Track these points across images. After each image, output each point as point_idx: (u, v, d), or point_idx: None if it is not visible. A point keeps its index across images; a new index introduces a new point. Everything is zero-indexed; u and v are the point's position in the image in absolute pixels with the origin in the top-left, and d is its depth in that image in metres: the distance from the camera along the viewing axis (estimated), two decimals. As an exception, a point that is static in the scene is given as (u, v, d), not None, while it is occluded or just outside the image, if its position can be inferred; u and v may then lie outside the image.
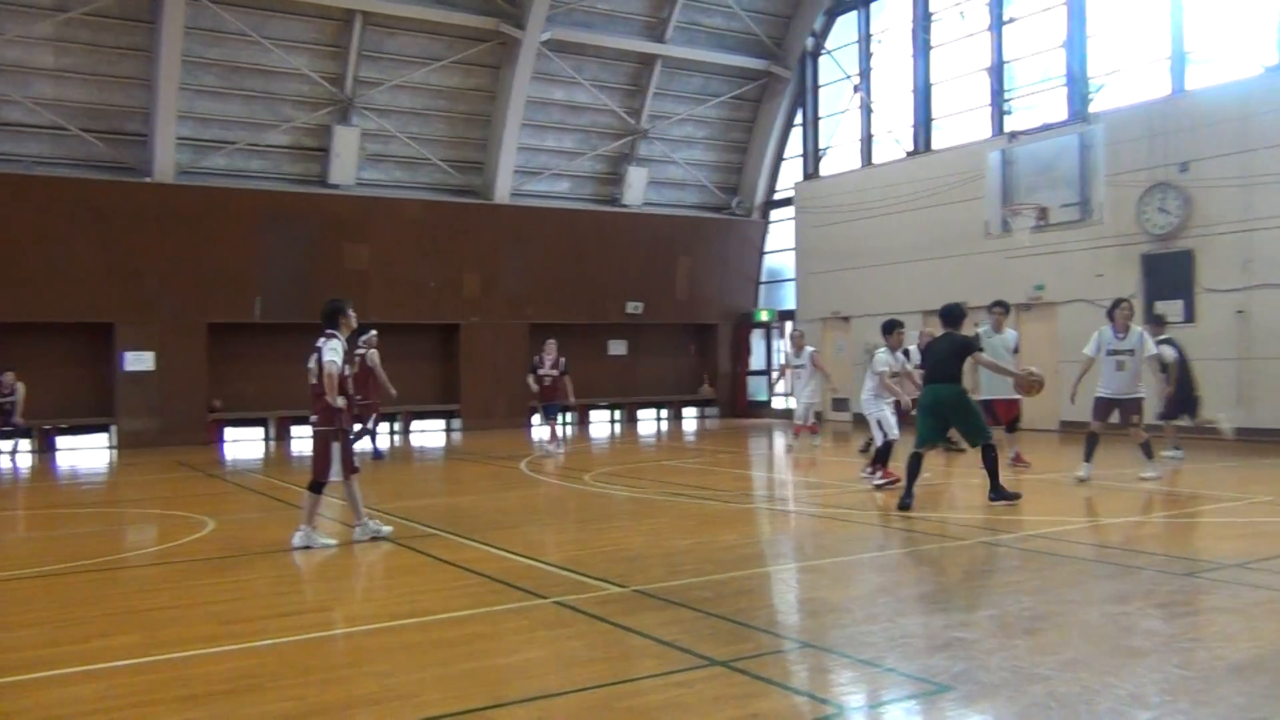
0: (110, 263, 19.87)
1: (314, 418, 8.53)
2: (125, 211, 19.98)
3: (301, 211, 21.56)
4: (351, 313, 8.75)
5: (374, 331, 16.47)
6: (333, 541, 8.50)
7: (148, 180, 20.29)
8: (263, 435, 21.82)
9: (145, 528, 10.58)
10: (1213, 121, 16.91)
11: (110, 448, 20.20)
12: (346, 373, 8.63)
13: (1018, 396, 12.35)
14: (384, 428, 23.01)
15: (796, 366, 16.63)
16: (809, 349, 16.78)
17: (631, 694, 4.59)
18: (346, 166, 22.07)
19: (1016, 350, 13.35)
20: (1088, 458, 11.39)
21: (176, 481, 14.45)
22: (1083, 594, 6.31)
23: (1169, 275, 17.38)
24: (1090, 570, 7.02)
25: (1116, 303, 11.75)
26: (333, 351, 8.41)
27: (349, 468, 8.57)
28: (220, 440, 21.18)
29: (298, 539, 8.37)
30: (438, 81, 22.81)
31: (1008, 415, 13.14)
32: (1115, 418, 11.53)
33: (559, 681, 4.79)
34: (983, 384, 12.55)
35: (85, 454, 19.62)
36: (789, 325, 22.54)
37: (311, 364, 8.43)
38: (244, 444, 21.01)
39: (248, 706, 4.52)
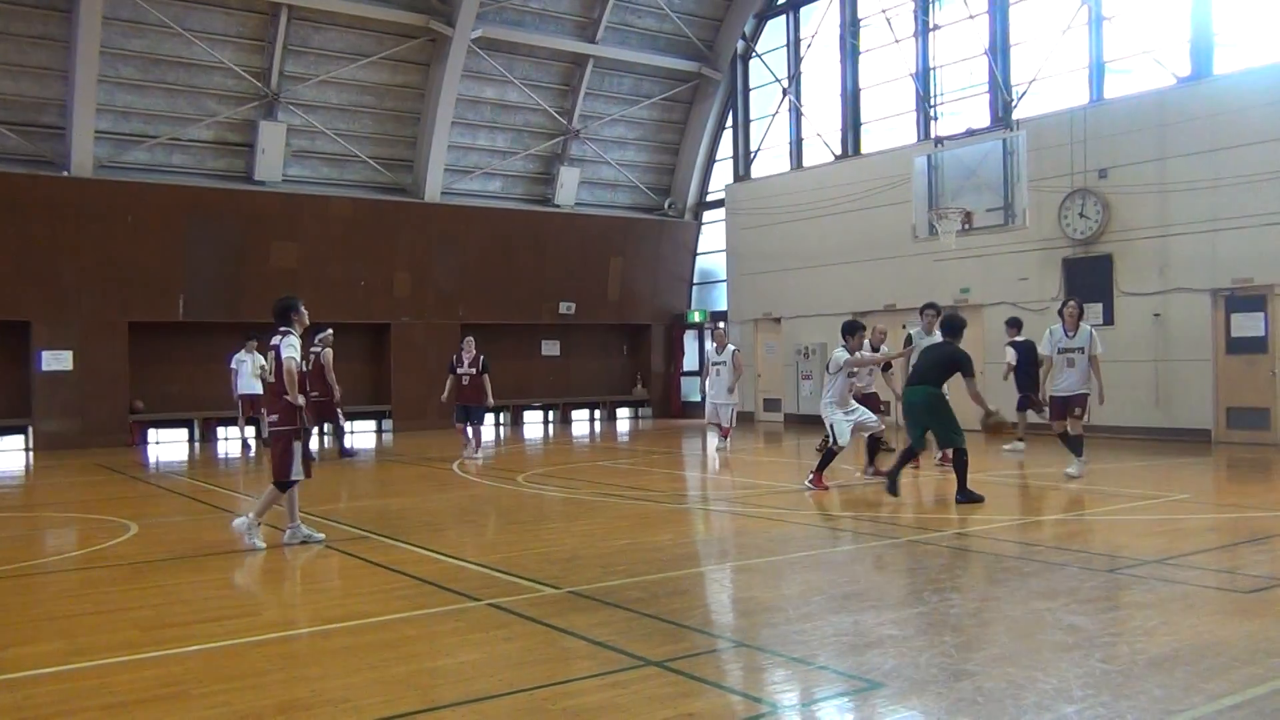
0: (26, 259, 19.27)
1: (273, 417, 8.43)
2: (41, 206, 19.39)
3: (226, 208, 21.13)
4: (304, 309, 8.66)
5: (330, 330, 16.11)
6: (261, 544, 8.36)
7: (65, 174, 19.72)
8: (187, 437, 21.35)
9: (65, 532, 10.29)
10: (1130, 130, 17.40)
11: (26, 450, 19.59)
12: (304, 370, 8.49)
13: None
14: (312, 429, 22.72)
15: (717, 364, 16.66)
16: (731, 347, 16.90)
17: (567, 695, 4.58)
18: (272, 163, 21.68)
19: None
20: (1078, 453, 11.87)
21: (97, 484, 14.07)
22: (1009, 591, 6.44)
23: (1089, 279, 17.83)
24: (1016, 568, 7.17)
25: (1065, 303, 12.32)
26: (290, 348, 8.33)
27: (306, 469, 8.48)
28: (143, 442, 20.68)
29: (287, 536, 8.43)
30: (366, 77, 22.53)
31: None
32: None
33: (494, 684, 4.76)
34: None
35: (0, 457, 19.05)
36: (721, 324, 22.71)
37: (265, 363, 8.34)
38: (167, 446, 20.54)
39: (172, 715, 4.42)
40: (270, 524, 8.81)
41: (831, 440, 11.42)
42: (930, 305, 13.53)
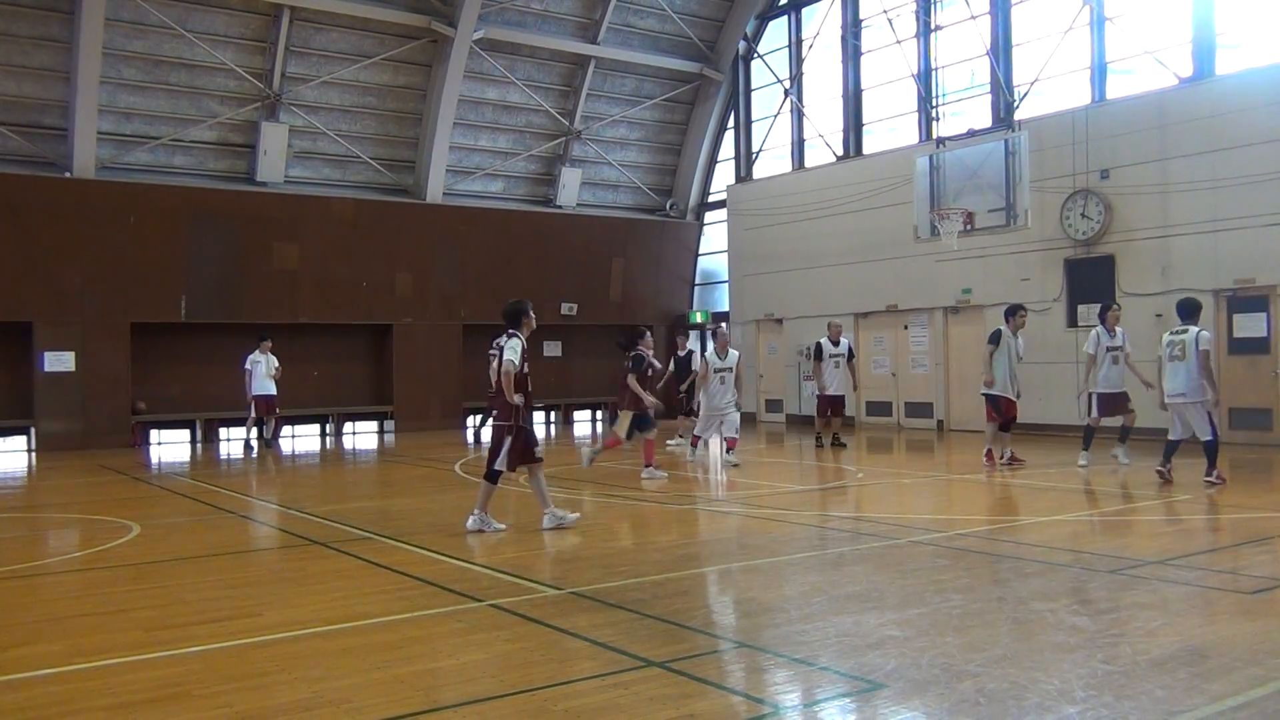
0: (28, 260, 19.28)
1: (494, 413, 8.97)
2: (43, 208, 19.41)
3: (228, 209, 21.15)
4: (533, 314, 9.24)
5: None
6: (503, 525, 8.96)
7: (67, 176, 19.74)
8: (189, 438, 21.36)
9: (67, 533, 10.30)
10: (1132, 130, 17.39)
11: (29, 451, 19.61)
12: (525, 371, 8.94)
13: (1016, 398, 13.66)
14: (314, 429, 22.76)
15: (721, 370, 14.31)
16: (735, 353, 14.79)
17: (568, 696, 4.58)
18: (274, 164, 21.70)
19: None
20: (1087, 446, 12.97)
21: (99, 485, 14.08)
22: (1010, 591, 6.44)
23: (1091, 279, 17.83)
24: (1018, 568, 7.17)
25: (1107, 305, 13.33)
26: (513, 350, 8.79)
27: (528, 458, 8.97)
28: (145, 443, 20.69)
29: (471, 522, 8.89)
30: (368, 78, 22.55)
31: (1009, 414, 13.74)
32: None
33: (495, 685, 4.76)
34: (997, 379, 13.53)
35: (2, 457, 19.03)
36: (723, 326, 22.67)
37: (494, 362, 8.83)
38: (169, 447, 20.55)
39: (174, 715, 4.42)
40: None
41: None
42: (1019, 306, 14.13)
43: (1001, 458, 13.47)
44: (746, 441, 18.48)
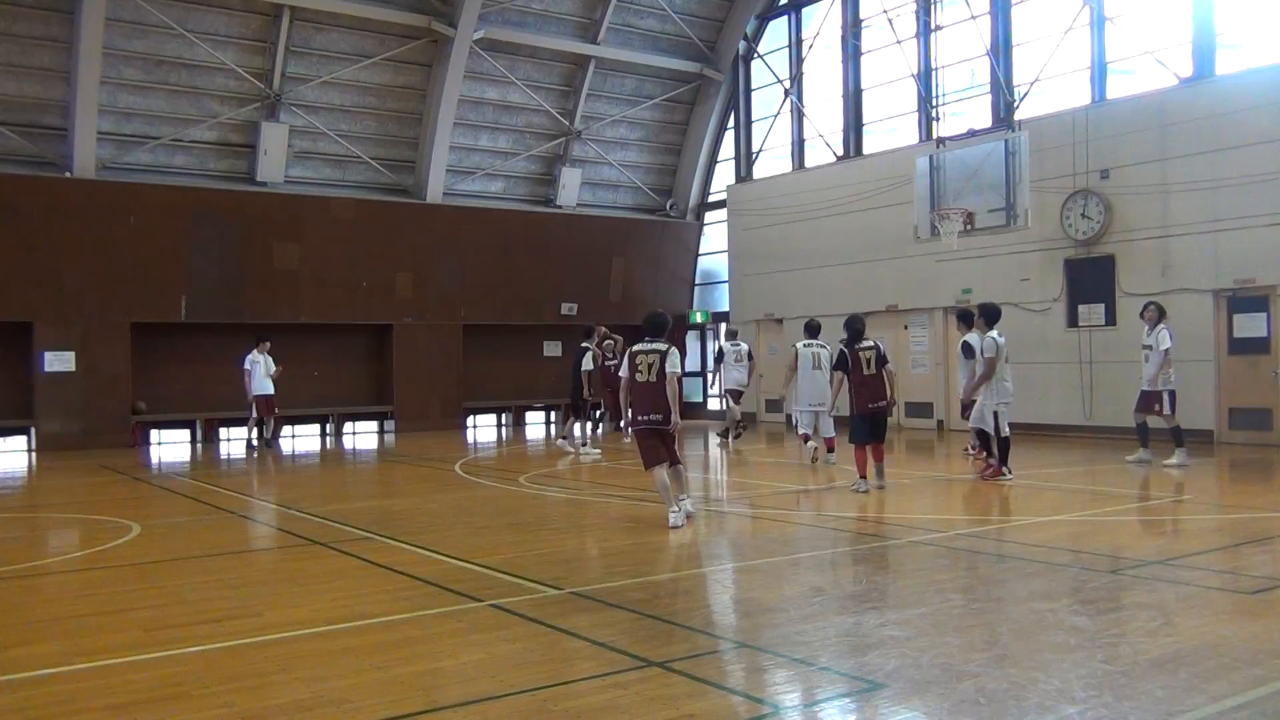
0: (28, 260, 19.28)
1: (658, 416, 9.21)
2: (44, 208, 19.40)
3: (228, 209, 21.14)
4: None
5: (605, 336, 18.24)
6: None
7: (67, 175, 19.74)
8: (189, 438, 21.36)
9: (67, 533, 10.30)
10: (1132, 130, 17.39)
11: (29, 451, 19.61)
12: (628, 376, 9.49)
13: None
14: (314, 429, 22.76)
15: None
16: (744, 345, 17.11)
17: (568, 696, 4.58)
18: (274, 164, 21.70)
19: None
20: (1145, 444, 13.50)
21: (100, 485, 14.09)
22: (1010, 592, 6.44)
23: (1091, 280, 17.83)
24: (1017, 568, 7.17)
25: (1146, 305, 13.74)
26: (673, 364, 9.31)
27: (658, 459, 9.20)
28: (145, 443, 20.69)
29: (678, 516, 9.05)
30: (368, 79, 22.54)
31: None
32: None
33: (495, 685, 4.76)
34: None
35: (2, 457, 19.03)
36: (723, 326, 22.70)
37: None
38: (170, 447, 20.55)
39: (174, 715, 4.42)
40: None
41: None
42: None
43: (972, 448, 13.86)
44: (747, 441, 18.48)
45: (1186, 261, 16.71)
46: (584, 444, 16.59)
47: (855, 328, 11.32)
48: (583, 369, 16.88)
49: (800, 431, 14.82)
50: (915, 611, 5.98)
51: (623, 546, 8.25)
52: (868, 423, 11.02)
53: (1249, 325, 16.16)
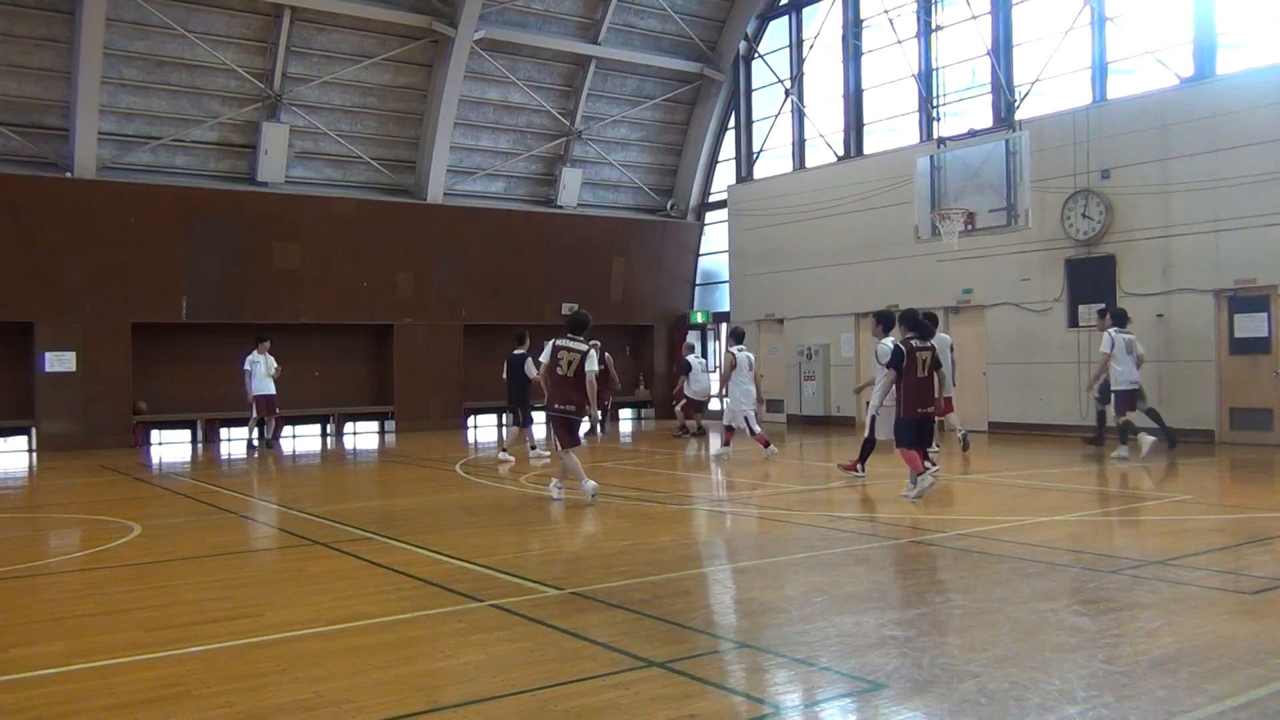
0: (29, 261, 19.29)
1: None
2: (44, 208, 19.42)
3: (229, 209, 21.16)
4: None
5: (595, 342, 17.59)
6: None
7: (68, 176, 19.75)
8: (190, 438, 21.36)
9: (68, 533, 10.30)
10: (1133, 130, 17.38)
11: (29, 451, 19.62)
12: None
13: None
14: (314, 429, 22.76)
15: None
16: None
17: (569, 696, 4.58)
18: (275, 164, 21.70)
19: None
20: (1125, 440, 13.96)
21: (100, 485, 14.09)
22: (1011, 592, 6.44)
23: (1092, 280, 17.82)
24: (1018, 569, 7.17)
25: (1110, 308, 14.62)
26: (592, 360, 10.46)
27: (572, 443, 10.75)
28: (145, 443, 20.70)
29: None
30: (369, 79, 22.55)
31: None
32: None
33: (496, 685, 4.76)
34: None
35: (3, 457, 19.03)
36: (723, 326, 22.69)
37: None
38: (170, 447, 20.55)
39: (175, 715, 4.42)
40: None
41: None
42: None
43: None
44: (746, 440, 18.47)
45: (1187, 261, 16.71)
46: (532, 446, 15.97)
47: (923, 325, 10.62)
48: (528, 374, 16.20)
49: (734, 424, 15.47)
50: (916, 611, 5.97)
51: (623, 546, 8.25)
52: (915, 427, 10.43)
53: (1250, 325, 16.15)
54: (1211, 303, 16.49)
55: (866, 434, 12.35)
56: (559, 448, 10.82)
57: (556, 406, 10.63)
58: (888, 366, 10.85)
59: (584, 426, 11.04)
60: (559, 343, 10.61)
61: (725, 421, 15.66)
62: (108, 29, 19.41)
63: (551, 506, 10.69)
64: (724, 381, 15.74)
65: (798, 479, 13.02)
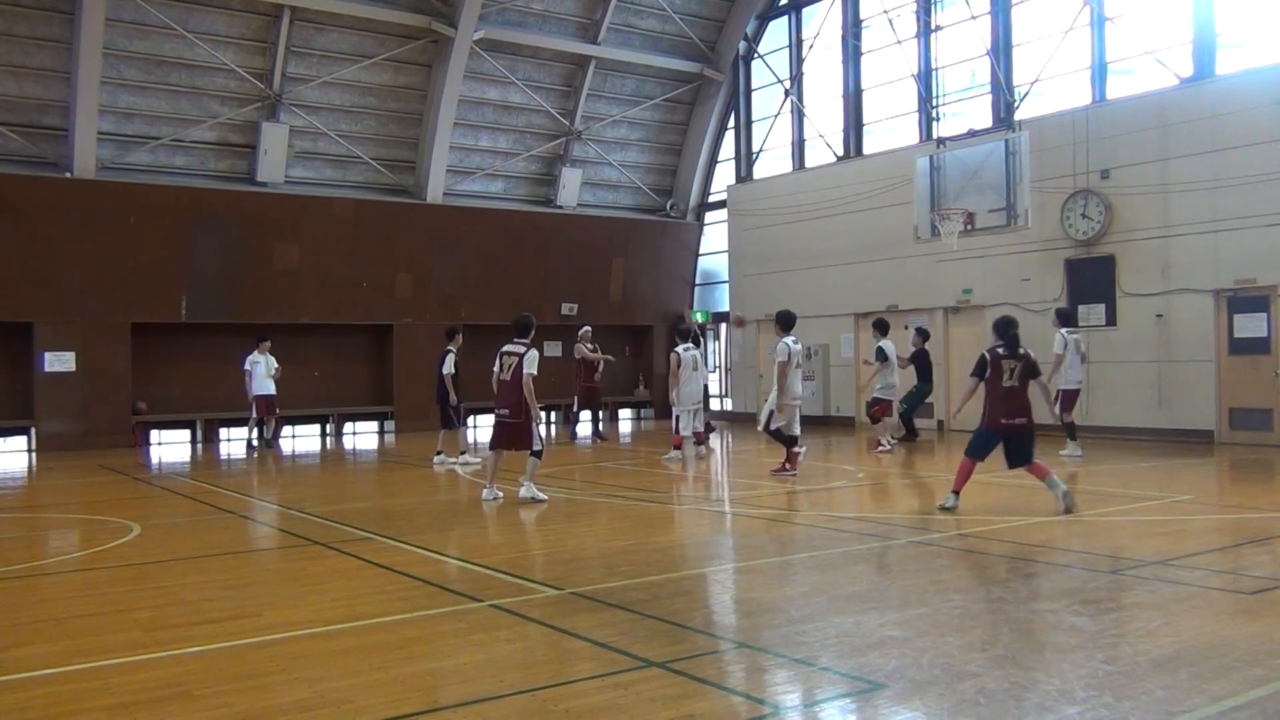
0: (28, 261, 19.28)
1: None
2: (44, 208, 19.40)
3: (229, 209, 21.15)
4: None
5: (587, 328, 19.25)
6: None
7: (68, 176, 19.74)
8: (189, 438, 21.35)
9: (67, 533, 10.30)
10: (1132, 130, 17.38)
11: (29, 451, 19.61)
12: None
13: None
14: (314, 429, 22.75)
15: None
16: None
17: (569, 696, 4.58)
18: (275, 164, 21.70)
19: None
20: (1073, 437, 14.51)
21: (100, 486, 14.08)
22: (1010, 592, 6.44)
23: (1092, 280, 17.82)
24: (1017, 569, 7.17)
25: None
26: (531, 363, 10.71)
27: (498, 444, 11.10)
28: (145, 443, 20.69)
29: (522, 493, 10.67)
30: (368, 79, 22.54)
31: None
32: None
33: (496, 685, 4.76)
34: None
35: (2, 457, 19.03)
36: (723, 326, 22.68)
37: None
38: (170, 447, 20.54)
39: (174, 715, 4.42)
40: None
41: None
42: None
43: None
44: (748, 440, 18.48)
45: (1187, 261, 16.71)
46: (463, 450, 15.63)
47: (1009, 334, 9.99)
48: (445, 372, 15.86)
49: (683, 433, 15.38)
50: (915, 611, 5.97)
51: (623, 547, 8.25)
52: (997, 438, 9.70)
53: (1249, 325, 16.15)
54: (1211, 303, 16.49)
55: (767, 428, 13.02)
56: (490, 447, 11.27)
57: (497, 410, 10.97)
58: (971, 375, 10.15)
59: (539, 429, 10.98)
60: (504, 349, 10.91)
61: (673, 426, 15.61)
62: (107, 29, 19.40)
63: (541, 507, 10.68)
64: (670, 382, 15.67)
65: (797, 479, 13.00)
